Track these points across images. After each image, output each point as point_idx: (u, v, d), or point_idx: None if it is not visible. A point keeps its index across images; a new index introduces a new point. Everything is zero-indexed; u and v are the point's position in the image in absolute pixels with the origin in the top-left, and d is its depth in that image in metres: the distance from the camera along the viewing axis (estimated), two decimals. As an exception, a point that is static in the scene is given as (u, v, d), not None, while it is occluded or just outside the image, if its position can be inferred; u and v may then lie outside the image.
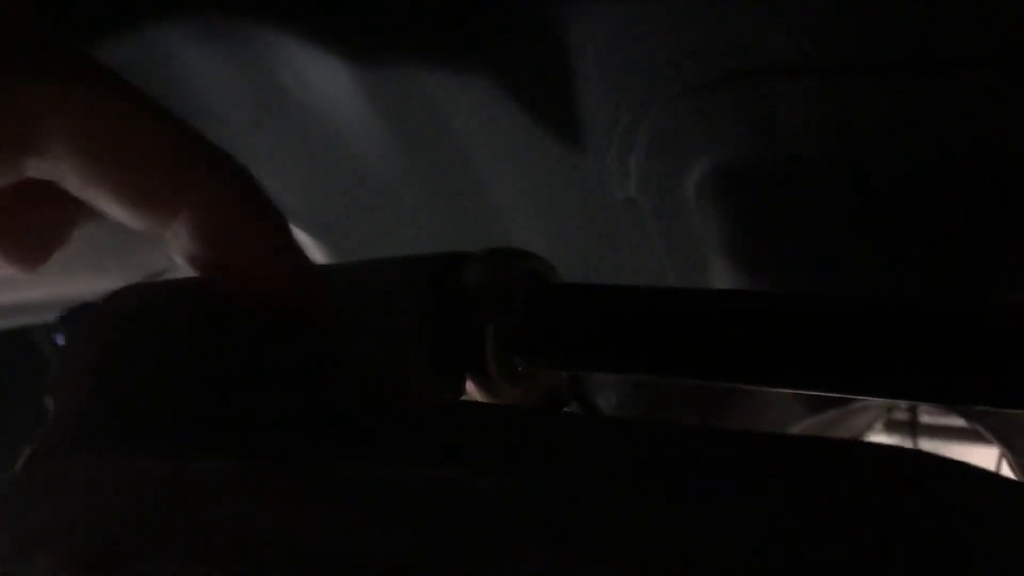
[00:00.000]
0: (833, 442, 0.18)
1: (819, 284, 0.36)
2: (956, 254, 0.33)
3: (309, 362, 0.22)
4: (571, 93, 0.33)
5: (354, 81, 0.36)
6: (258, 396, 0.21)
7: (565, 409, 0.28)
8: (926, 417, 0.91)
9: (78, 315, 0.23)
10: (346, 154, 0.41)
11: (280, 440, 0.20)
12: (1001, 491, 0.17)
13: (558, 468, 0.18)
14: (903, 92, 0.28)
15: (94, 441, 0.20)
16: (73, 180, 0.20)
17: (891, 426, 0.92)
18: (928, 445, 0.94)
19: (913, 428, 0.92)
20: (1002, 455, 0.56)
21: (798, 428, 0.52)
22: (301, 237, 0.49)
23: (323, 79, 0.36)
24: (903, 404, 0.79)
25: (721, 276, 0.37)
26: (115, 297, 0.23)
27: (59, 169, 0.20)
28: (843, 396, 0.23)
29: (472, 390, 0.26)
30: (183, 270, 0.23)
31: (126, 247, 0.53)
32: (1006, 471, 0.56)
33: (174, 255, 0.22)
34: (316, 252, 0.50)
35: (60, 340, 0.23)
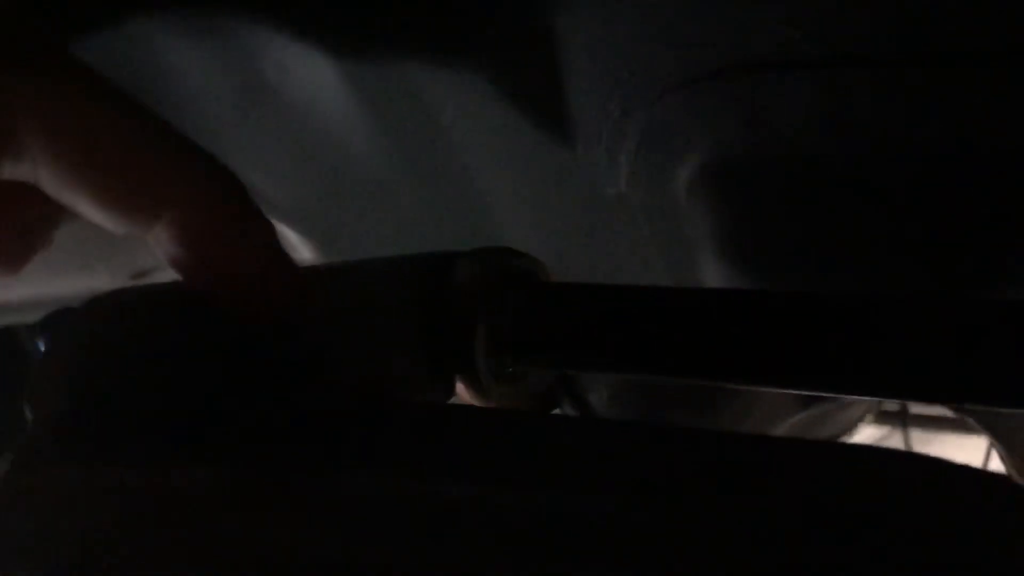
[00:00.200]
0: (830, 445, 0.18)
1: (813, 281, 0.36)
2: (953, 252, 0.32)
3: (295, 365, 0.22)
4: (560, 85, 0.33)
5: (340, 75, 0.36)
6: (242, 402, 0.21)
7: (557, 409, 0.28)
8: (916, 407, 0.91)
9: (58, 320, 0.23)
10: (333, 149, 0.41)
11: (264, 449, 0.19)
12: (999, 491, 0.17)
13: (549, 477, 0.18)
14: (899, 87, 0.27)
15: (72, 451, 0.20)
16: (50, 182, 0.20)
17: (882, 416, 0.93)
18: (918, 435, 0.95)
19: (903, 418, 0.93)
20: (991, 445, 0.56)
21: (790, 422, 0.52)
22: (288, 234, 0.48)
23: (308, 73, 0.36)
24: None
25: (712, 273, 0.37)
26: (94, 303, 0.23)
27: (35, 171, 0.20)
28: (836, 396, 0.22)
29: (462, 391, 0.25)
30: (170, 270, 0.22)
31: (113, 246, 0.52)
32: (995, 461, 0.57)
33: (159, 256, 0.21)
34: (304, 249, 0.49)
35: (43, 346, 0.23)
